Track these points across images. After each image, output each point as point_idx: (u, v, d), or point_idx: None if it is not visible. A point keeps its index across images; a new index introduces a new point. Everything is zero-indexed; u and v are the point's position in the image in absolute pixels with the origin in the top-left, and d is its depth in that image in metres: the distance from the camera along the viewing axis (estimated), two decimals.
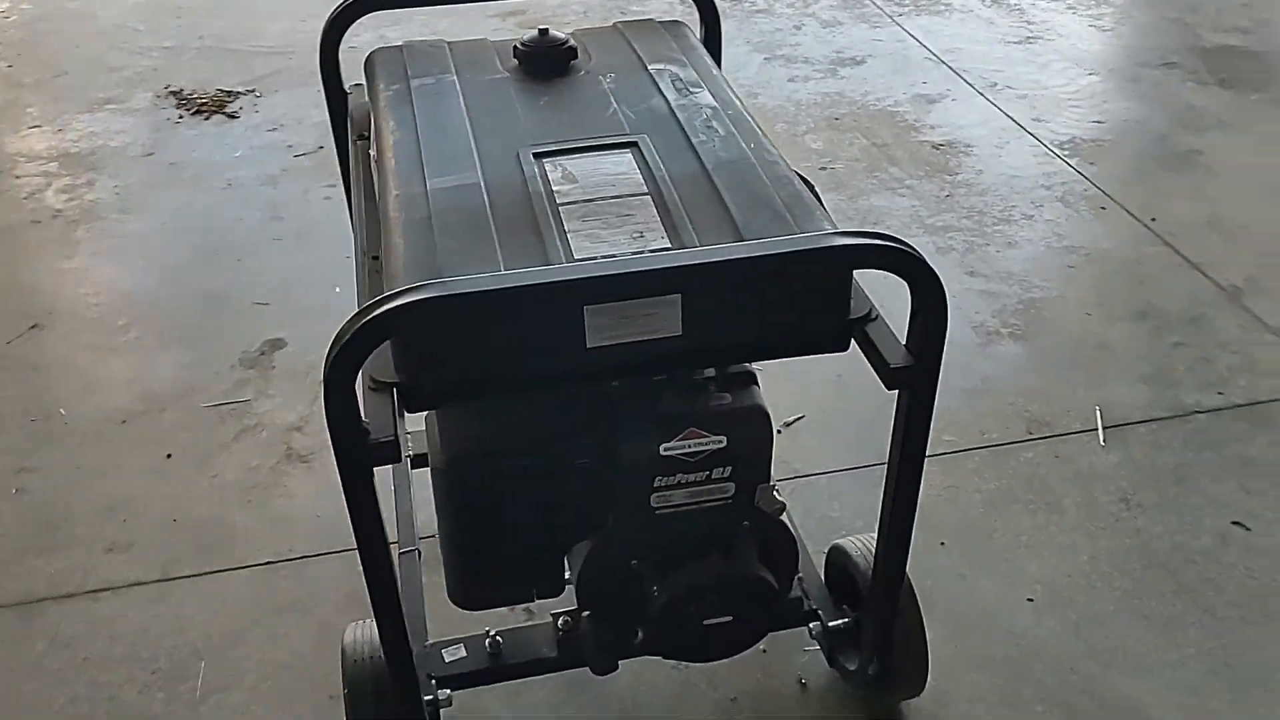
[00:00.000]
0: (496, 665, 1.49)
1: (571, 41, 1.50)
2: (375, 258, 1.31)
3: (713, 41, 1.70)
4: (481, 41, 1.62)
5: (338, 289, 2.42)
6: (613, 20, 1.70)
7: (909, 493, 1.29)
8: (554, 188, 1.25)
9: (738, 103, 1.44)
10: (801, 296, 1.18)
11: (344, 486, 1.12)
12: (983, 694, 1.63)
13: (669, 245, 1.16)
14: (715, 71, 1.53)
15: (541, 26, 1.52)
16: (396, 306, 1.02)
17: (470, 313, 1.07)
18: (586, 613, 1.39)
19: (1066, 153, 3.06)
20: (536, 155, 1.30)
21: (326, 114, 1.69)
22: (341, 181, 1.77)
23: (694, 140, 1.33)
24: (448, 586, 1.39)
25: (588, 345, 1.14)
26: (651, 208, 1.22)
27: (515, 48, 1.51)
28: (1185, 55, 3.61)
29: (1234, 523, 1.91)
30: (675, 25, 1.67)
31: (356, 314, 1.04)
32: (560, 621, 1.45)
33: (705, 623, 1.38)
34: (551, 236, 1.17)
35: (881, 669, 1.50)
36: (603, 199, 1.23)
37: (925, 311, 1.14)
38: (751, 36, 3.83)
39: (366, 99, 1.57)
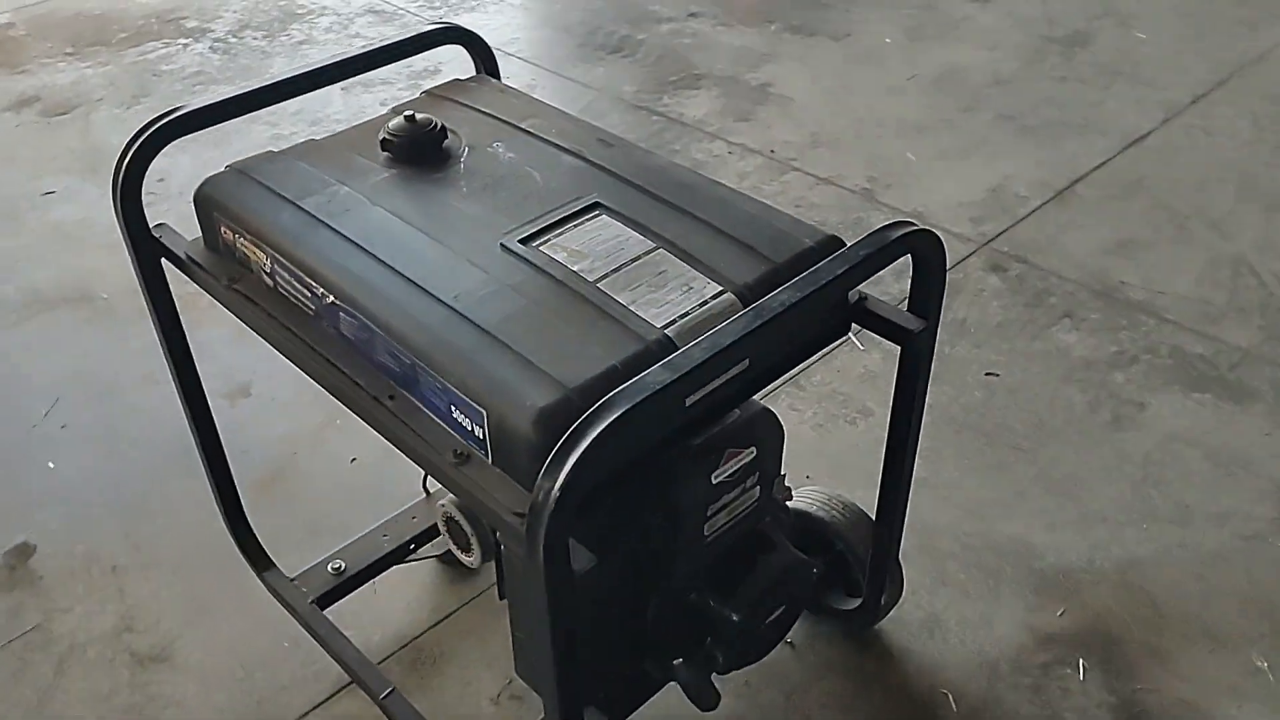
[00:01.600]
0: None
1: (437, 121, 1.45)
2: (392, 398, 1.21)
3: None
4: (315, 143, 1.49)
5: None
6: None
7: (914, 440, 1.47)
8: (573, 268, 1.23)
9: (626, 139, 1.49)
10: (825, 300, 1.27)
11: None
12: (919, 584, 1.88)
13: (722, 288, 1.22)
14: (569, 115, 1.56)
15: (406, 112, 1.44)
16: (603, 431, 0.98)
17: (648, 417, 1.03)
18: (677, 660, 1.42)
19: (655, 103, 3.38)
20: (523, 243, 1.27)
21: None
22: (165, 344, 1.55)
23: (641, 184, 1.37)
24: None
25: (686, 402, 1.17)
26: (674, 259, 1.26)
27: (385, 140, 1.42)
28: (705, 5, 4.08)
29: (986, 374, 2.34)
30: (481, 79, 1.65)
31: (554, 461, 0.98)
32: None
33: (768, 621, 1.48)
34: (623, 313, 1.18)
35: (886, 597, 1.69)
36: (627, 264, 1.24)
37: (931, 278, 1.31)
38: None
39: (214, 237, 1.40)
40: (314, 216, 1.33)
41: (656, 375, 1.03)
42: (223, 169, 1.44)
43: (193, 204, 1.43)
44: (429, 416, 1.19)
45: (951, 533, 1.97)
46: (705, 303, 1.20)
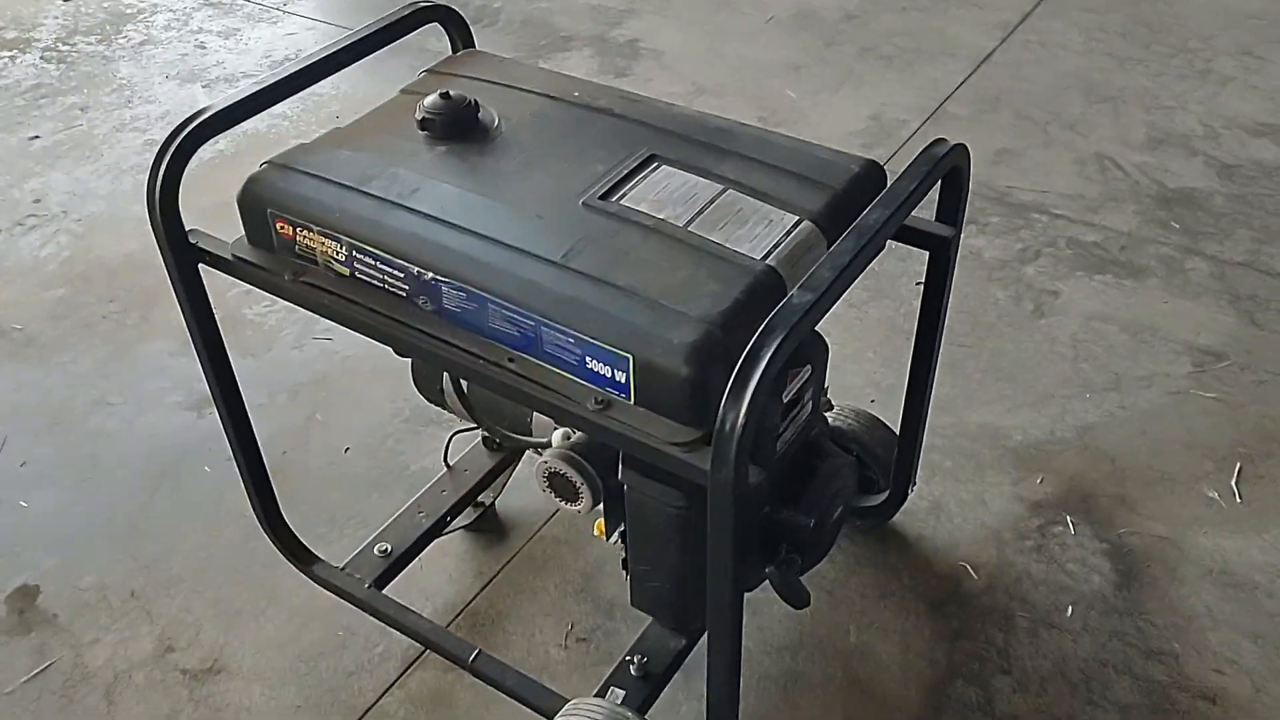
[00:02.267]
0: None
1: (471, 97, 1.48)
2: (511, 360, 1.26)
3: None
4: (342, 132, 1.50)
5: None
6: None
7: (940, 339, 1.62)
8: (659, 216, 1.31)
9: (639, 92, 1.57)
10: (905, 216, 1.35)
11: None
12: None
13: (799, 218, 1.32)
14: (576, 77, 1.62)
15: (440, 90, 1.47)
16: (774, 354, 1.07)
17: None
18: (768, 569, 1.53)
19: None
20: (602, 199, 1.34)
21: None
22: (205, 353, 1.53)
23: (682, 132, 1.46)
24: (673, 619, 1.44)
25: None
26: (744, 197, 1.35)
27: (425, 119, 1.45)
28: None
29: (917, 283, 2.54)
30: (473, 53, 1.68)
31: (736, 388, 1.06)
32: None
33: (832, 520, 1.61)
34: (722, 250, 1.27)
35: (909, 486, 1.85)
36: (705, 207, 1.33)
37: (960, 189, 1.45)
38: (160, 69, 3.54)
39: (265, 235, 1.40)
40: (385, 200, 1.36)
41: (801, 298, 1.13)
42: (260, 167, 1.44)
43: (237, 205, 1.42)
44: (555, 372, 1.25)
45: (928, 428, 2.16)
46: (789, 232, 1.31)
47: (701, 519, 1.33)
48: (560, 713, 1.50)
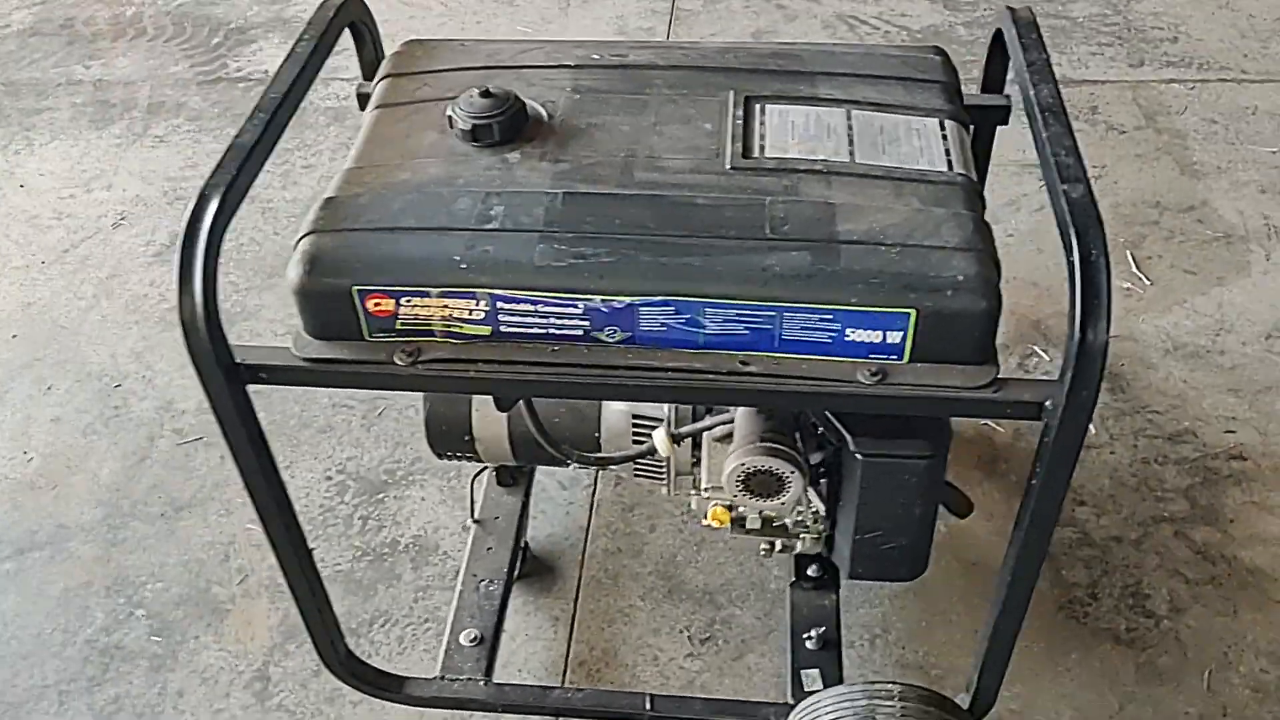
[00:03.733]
0: None
1: (509, 91, 1.23)
2: (744, 363, 1.07)
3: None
4: (361, 171, 1.19)
5: None
6: None
7: None
8: (818, 157, 1.17)
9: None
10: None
11: None
12: None
13: (937, 119, 1.23)
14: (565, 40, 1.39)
15: (479, 89, 1.20)
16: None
17: None
18: None
19: None
20: (746, 157, 1.16)
21: None
22: (267, 489, 1.18)
23: (747, 66, 1.31)
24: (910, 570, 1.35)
25: None
26: (871, 113, 1.23)
27: (476, 128, 1.18)
28: None
29: None
30: (417, 43, 1.40)
31: (1090, 308, 0.97)
32: None
33: None
34: (908, 173, 1.16)
35: None
36: (852, 135, 1.20)
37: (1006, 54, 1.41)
38: None
39: (345, 320, 1.09)
40: (506, 230, 1.10)
41: (1075, 187, 1.05)
42: (303, 238, 1.11)
43: (299, 294, 1.10)
44: (803, 360, 1.10)
45: None
46: (945, 136, 1.22)
47: (944, 461, 1.25)
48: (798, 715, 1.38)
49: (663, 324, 1.09)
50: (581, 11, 3.18)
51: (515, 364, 1.11)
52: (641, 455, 1.46)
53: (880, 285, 1.06)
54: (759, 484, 1.30)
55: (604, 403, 1.47)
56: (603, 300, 1.08)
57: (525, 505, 1.75)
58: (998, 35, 1.36)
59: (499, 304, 1.09)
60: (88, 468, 2.00)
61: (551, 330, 1.11)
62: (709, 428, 1.40)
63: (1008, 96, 1.43)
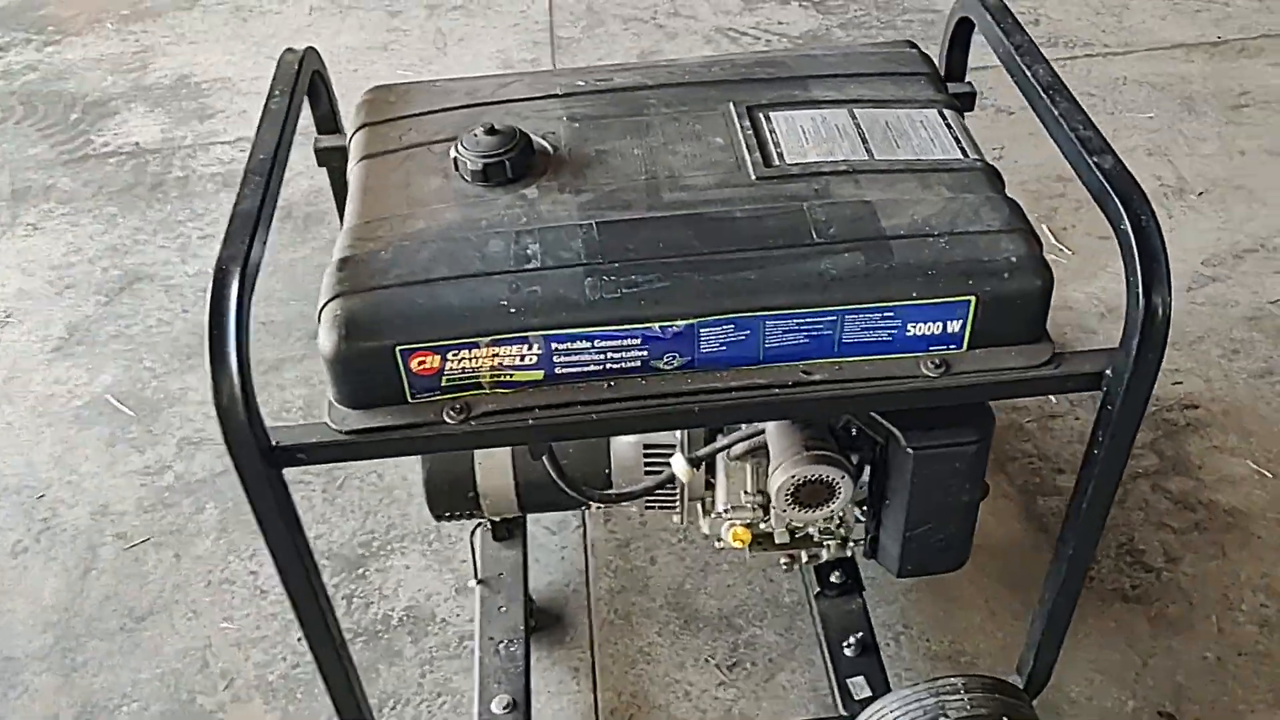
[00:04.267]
0: None
1: (513, 126, 1.18)
2: (807, 373, 1.05)
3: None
4: (368, 226, 1.12)
5: None
6: None
7: None
8: (837, 159, 1.16)
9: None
10: None
11: None
12: None
13: (933, 108, 1.24)
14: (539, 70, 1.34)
15: (482, 127, 1.14)
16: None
17: None
18: None
19: None
20: (768, 168, 1.14)
21: None
22: (304, 575, 1.09)
23: (735, 78, 1.30)
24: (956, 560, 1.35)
25: None
26: (878, 110, 1.24)
27: (487, 167, 1.13)
28: None
29: None
30: (386, 88, 1.33)
31: (1152, 278, 0.99)
32: None
33: None
34: (930, 164, 1.16)
35: None
36: (863, 133, 1.20)
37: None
38: None
39: (385, 382, 1.02)
40: (548, 268, 1.05)
41: (1104, 159, 1.07)
42: (329, 303, 1.03)
43: (333, 364, 1.02)
44: (865, 361, 1.08)
45: None
46: (949, 125, 1.23)
47: (989, 445, 1.26)
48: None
49: (723, 343, 1.06)
50: (461, 49, 3.12)
51: (572, 405, 1.07)
52: (660, 485, 1.42)
53: (938, 276, 1.05)
54: (809, 494, 1.28)
55: (613, 438, 1.43)
56: (661, 327, 1.04)
57: (525, 557, 1.69)
58: (962, 23, 1.38)
59: (553, 345, 1.04)
60: (26, 590, 1.82)
61: (608, 365, 1.06)
62: (728, 446, 1.37)
63: (970, 84, 1.46)
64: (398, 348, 1.03)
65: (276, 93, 1.22)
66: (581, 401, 1.07)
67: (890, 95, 1.27)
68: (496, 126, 1.16)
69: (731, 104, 1.25)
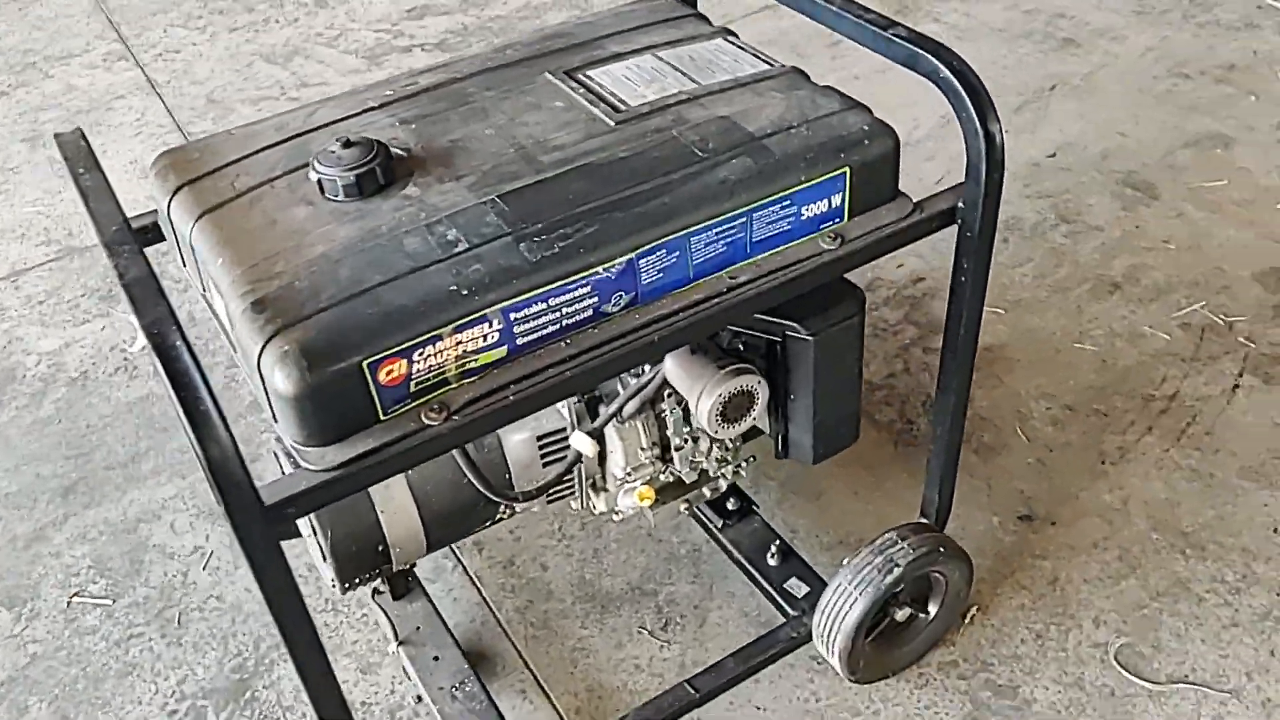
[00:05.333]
0: None
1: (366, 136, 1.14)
2: (733, 276, 1.11)
3: None
4: (267, 261, 1.04)
5: None
6: None
7: None
8: (676, 90, 1.23)
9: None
10: None
11: None
12: None
13: (719, 35, 1.35)
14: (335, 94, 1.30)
15: (338, 143, 1.09)
16: None
17: None
18: None
19: None
20: (618, 111, 1.19)
21: None
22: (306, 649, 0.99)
23: (535, 53, 1.34)
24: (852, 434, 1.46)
25: None
26: (675, 48, 1.33)
27: (360, 178, 1.09)
28: None
29: None
30: (193, 146, 1.23)
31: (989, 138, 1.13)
32: None
33: None
34: (760, 74, 1.27)
35: None
36: (677, 69, 1.29)
37: None
38: None
39: (358, 405, 0.97)
40: (478, 246, 1.04)
41: (897, 30, 1.22)
42: (270, 342, 0.95)
43: (298, 402, 0.94)
44: (775, 254, 1.17)
45: None
46: (740, 47, 1.34)
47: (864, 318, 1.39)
48: (870, 554, 1.45)
49: (659, 270, 1.10)
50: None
51: (542, 372, 1.06)
52: (570, 469, 1.43)
53: (816, 158, 1.16)
54: (735, 408, 1.34)
55: (505, 439, 1.41)
56: (605, 269, 1.07)
57: (432, 602, 1.61)
58: None
59: (511, 316, 1.04)
60: None
61: (564, 323, 1.07)
62: (619, 408, 1.41)
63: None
64: (364, 362, 0.98)
65: (81, 170, 1.10)
66: (549, 365, 1.07)
67: (676, 36, 1.37)
68: (351, 139, 1.13)
69: (547, 73, 1.30)
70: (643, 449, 1.44)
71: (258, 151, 1.21)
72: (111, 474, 2.01)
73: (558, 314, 1.06)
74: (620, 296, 1.09)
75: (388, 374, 0.99)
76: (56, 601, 1.80)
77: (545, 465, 1.43)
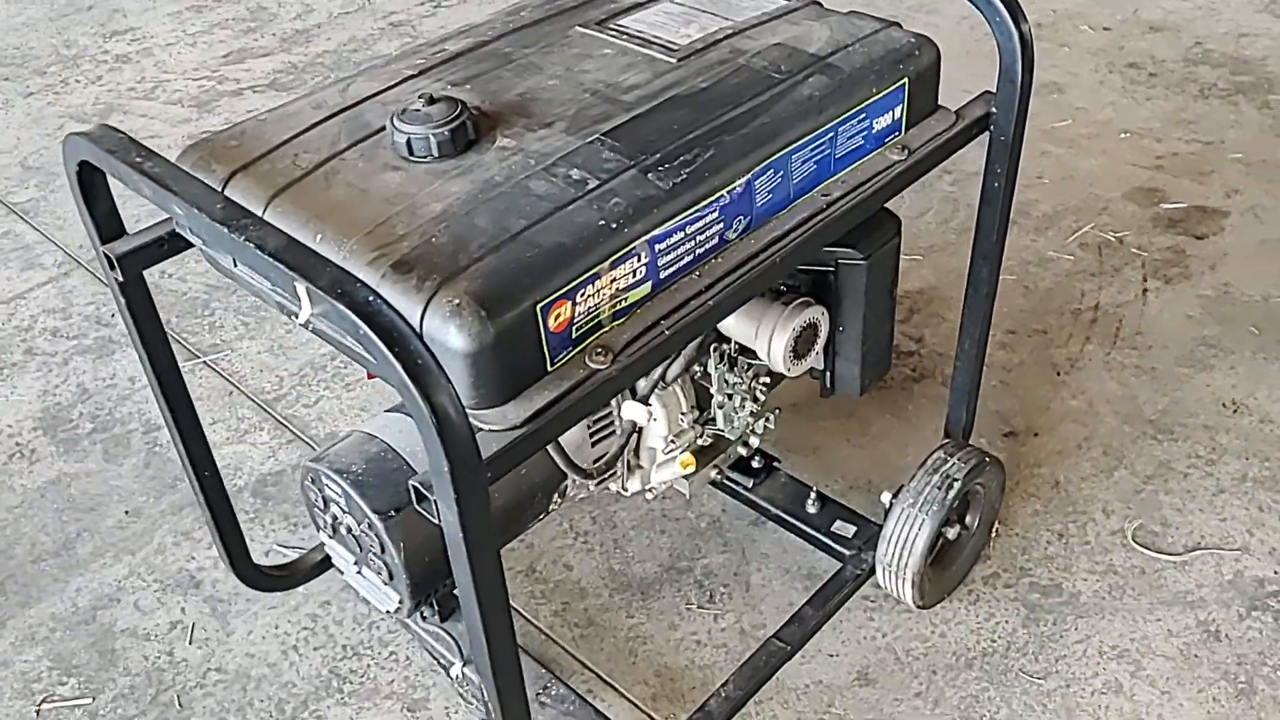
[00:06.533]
0: None
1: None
2: (827, 195, 1.11)
3: None
4: (361, 233, 0.95)
5: None
6: None
7: None
8: (717, 27, 1.22)
9: None
10: None
11: None
12: None
13: None
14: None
15: (422, 98, 1.01)
16: None
17: None
18: None
19: None
20: (674, 52, 1.16)
21: None
22: None
23: (556, 9, 1.31)
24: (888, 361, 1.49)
25: None
26: None
27: (454, 133, 1.01)
28: None
29: None
30: (247, 126, 1.10)
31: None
32: None
33: None
34: (786, 7, 1.26)
35: None
36: (701, 11, 1.27)
37: None
38: None
39: (529, 360, 0.91)
40: (607, 182, 1.00)
41: None
42: (433, 300, 0.87)
43: (477, 357, 0.86)
44: (855, 169, 1.18)
45: None
46: None
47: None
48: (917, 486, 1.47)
49: (770, 191, 1.09)
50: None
51: (685, 306, 1.03)
52: (628, 439, 1.38)
53: (882, 71, 1.19)
54: (804, 342, 1.33)
55: None
56: (729, 191, 1.05)
57: None
58: None
59: (656, 247, 1.00)
60: None
61: (695, 251, 1.04)
62: (664, 372, 1.38)
63: None
64: (538, 305, 0.91)
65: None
66: (690, 299, 1.03)
67: None
68: (434, 95, 1.06)
69: (578, 27, 1.26)
70: (683, 413, 1.42)
71: (308, 129, 1.11)
72: (43, 566, 1.77)
73: (692, 243, 1.03)
74: (740, 221, 1.07)
75: (556, 318, 0.93)
76: (23, 713, 1.57)
77: (594, 445, 1.38)
